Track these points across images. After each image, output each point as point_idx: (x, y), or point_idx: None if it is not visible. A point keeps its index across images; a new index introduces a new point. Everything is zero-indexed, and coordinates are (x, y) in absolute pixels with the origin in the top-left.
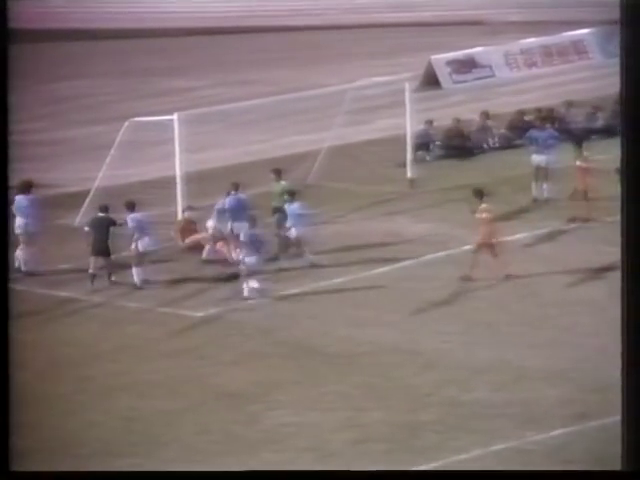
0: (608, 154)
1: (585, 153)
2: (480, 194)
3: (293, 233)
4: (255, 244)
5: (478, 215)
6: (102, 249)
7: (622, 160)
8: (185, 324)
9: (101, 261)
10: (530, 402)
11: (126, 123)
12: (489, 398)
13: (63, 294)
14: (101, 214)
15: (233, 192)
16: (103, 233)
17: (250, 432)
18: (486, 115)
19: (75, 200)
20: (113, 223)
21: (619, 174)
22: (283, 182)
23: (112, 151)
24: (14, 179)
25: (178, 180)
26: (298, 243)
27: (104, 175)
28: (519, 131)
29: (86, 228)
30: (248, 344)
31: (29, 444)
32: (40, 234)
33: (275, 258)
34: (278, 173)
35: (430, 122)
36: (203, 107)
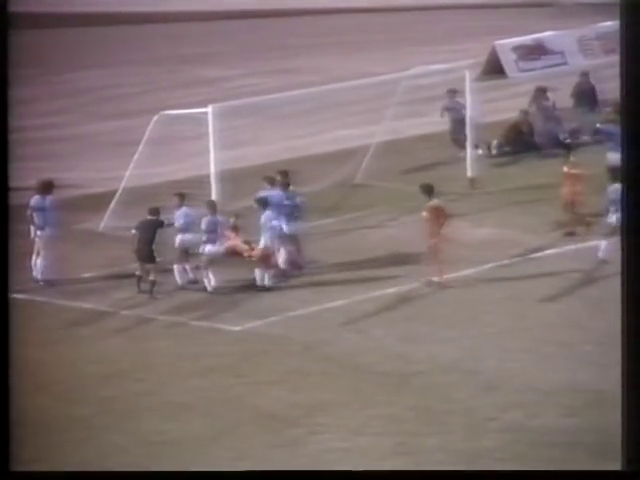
0: None
1: (572, 158)
2: (429, 190)
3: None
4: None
5: (425, 213)
6: (147, 254)
7: (622, 160)
8: (220, 339)
9: (146, 267)
10: (606, 430)
11: (156, 117)
12: (559, 424)
13: (86, 305)
14: (150, 217)
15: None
16: (149, 237)
17: (291, 458)
18: (543, 94)
19: (99, 202)
20: (161, 225)
21: (610, 174)
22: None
23: (140, 147)
24: (31, 179)
25: (213, 179)
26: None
27: (131, 174)
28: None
29: (133, 231)
30: (289, 361)
31: (47, 469)
32: (60, 239)
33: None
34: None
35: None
36: (238, 99)
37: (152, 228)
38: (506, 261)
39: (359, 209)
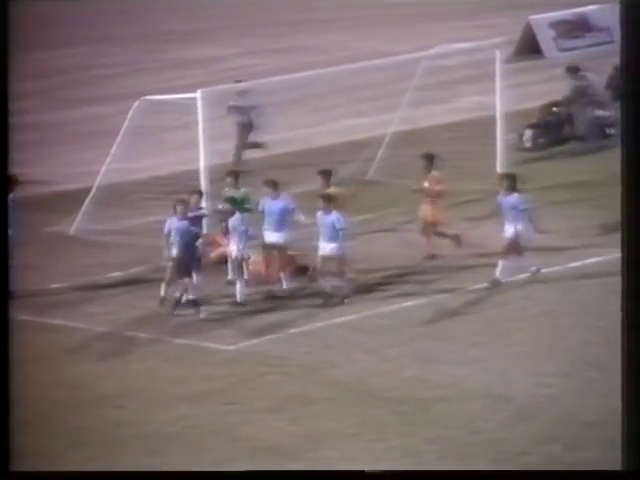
0: None
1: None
2: (430, 159)
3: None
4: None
5: (426, 184)
6: (187, 267)
7: (622, 161)
8: (210, 360)
9: (185, 283)
10: None
11: (137, 103)
12: (602, 458)
13: (55, 321)
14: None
15: (271, 193)
16: (192, 244)
17: None
18: (576, 74)
19: (70, 201)
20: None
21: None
22: (243, 189)
23: (118, 138)
24: None
25: (202, 175)
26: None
27: (108, 169)
28: None
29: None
30: (290, 385)
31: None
32: (25, 245)
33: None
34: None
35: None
36: (232, 82)
37: (196, 233)
38: (542, 271)
39: (371, 210)
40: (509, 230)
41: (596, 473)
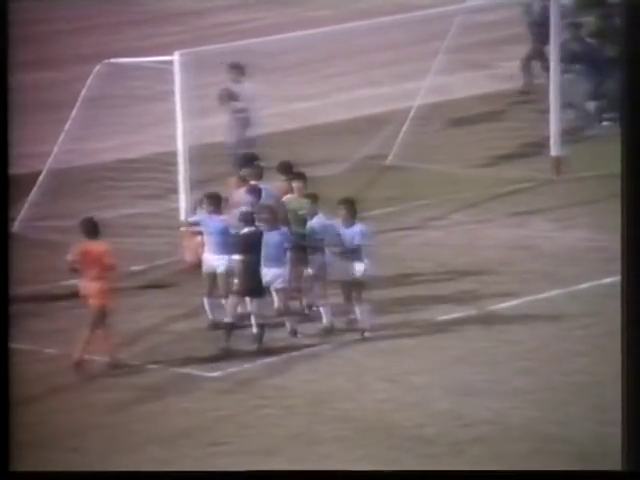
0: None
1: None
2: (287, 168)
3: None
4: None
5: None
6: (255, 284)
7: (622, 161)
8: (191, 389)
9: (255, 305)
10: None
11: (98, 67)
12: None
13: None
14: (249, 227)
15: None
16: (255, 259)
17: None
18: None
19: (11, 190)
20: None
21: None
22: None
23: (74, 112)
24: None
25: (180, 159)
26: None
27: (61, 150)
28: None
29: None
30: (290, 421)
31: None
32: None
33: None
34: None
35: None
36: (217, 42)
37: (258, 244)
38: (607, 280)
39: (392, 202)
40: (357, 267)
41: (596, 473)
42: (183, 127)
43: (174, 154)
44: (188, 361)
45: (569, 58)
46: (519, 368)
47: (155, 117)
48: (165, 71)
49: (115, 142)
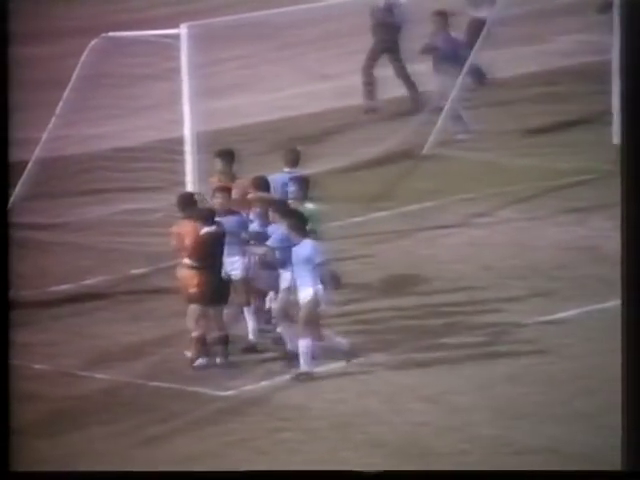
0: None
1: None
2: (228, 156)
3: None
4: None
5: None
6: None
7: (622, 161)
8: (198, 410)
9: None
10: None
11: (93, 41)
12: None
13: None
14: (208, 225)
15: (287, 170)
16: (217, 262)
17: None
18: None
19: None
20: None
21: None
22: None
23: (65, 93)
24: None
25: (188, 147)
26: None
27: (51, 137)
28: None
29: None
30: (312, 447)
31: None
32: None
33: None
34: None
35: None
36: (228, 14)
37: (220, 246)
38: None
39: (429, 197)
40: (305, 294)
41: (596, 473)
42: (190, 110)
43: (180, 141)
44: (196, 378)
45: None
46: (578, 388)
47: (158, 99)
48: (170, 46)
49: (112, 128)
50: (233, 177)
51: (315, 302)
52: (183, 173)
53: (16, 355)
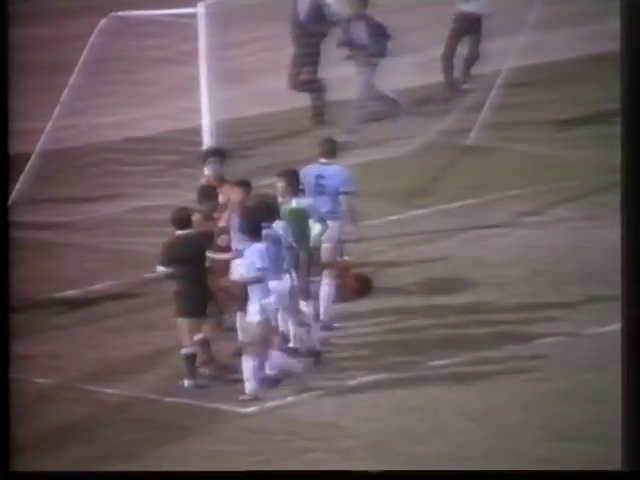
0: None
1: (207, 170)
2: (218, 155)
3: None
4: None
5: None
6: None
7: (622, 162)
8: (217, 428)
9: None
10: None
11: (103, 21)
12: None
13: None
14: (182, 228)
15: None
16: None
17: None
18: None
19: None
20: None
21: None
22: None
23: (72, 79)
24: None
25: (206, 137)
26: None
27: (56, 126)
28: None
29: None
30: (342, 469)
31: None
32: None
33: None
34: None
35: None
36: None
37: (197, 251)
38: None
39: (474, 193)
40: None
41: (596, 473)
42: (209, 97)
43: (197, 131)
44: (215, 393)
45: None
46: None
47: (174, 85)
48: (187, 27)
49: (123, 116)
50: (222, 180)
51: (265, 321)
52: (200, 167)
53: (17, 368)
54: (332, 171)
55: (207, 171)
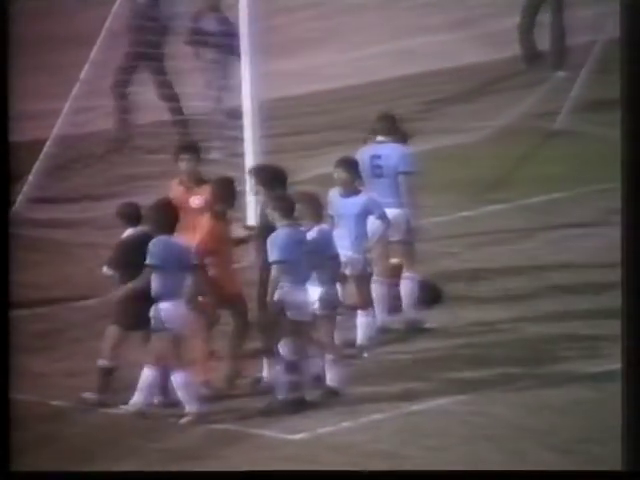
0: None
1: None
2: (193, 151)
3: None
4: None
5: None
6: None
7: (622, 163)
8: (259, 457)
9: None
10: None
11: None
12: None
13: None
14: (132, 226)
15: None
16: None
17: None
18: None
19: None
20: None
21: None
22: None
23: (92, 53)
24: None
25: (247, 120)
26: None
27: (72, 109)
28: None
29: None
30: None
31: None
32: None
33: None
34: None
35: None
36: None
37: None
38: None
39: (560, 185)
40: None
41: (596, 473)
42: (250, 74)
43: (237, 112)
44: (255, 417)
45: None
46: None
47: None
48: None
49: (151, 96)
50: (200, 180)
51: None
52: (241, 153)
53: (28, 388)
54: (389, 149)
55: (182, 168)
